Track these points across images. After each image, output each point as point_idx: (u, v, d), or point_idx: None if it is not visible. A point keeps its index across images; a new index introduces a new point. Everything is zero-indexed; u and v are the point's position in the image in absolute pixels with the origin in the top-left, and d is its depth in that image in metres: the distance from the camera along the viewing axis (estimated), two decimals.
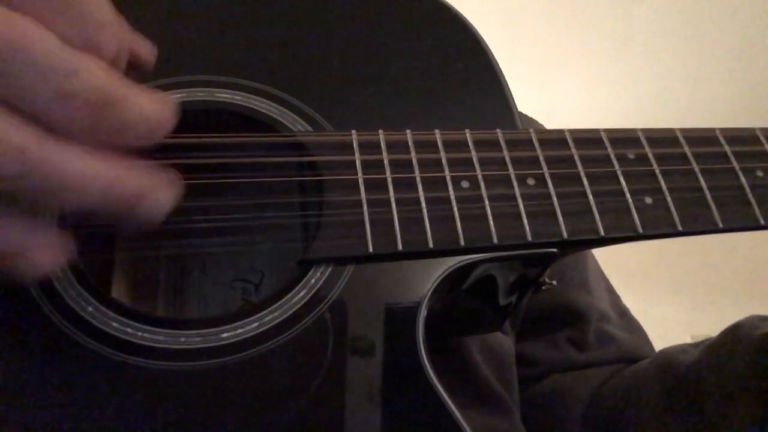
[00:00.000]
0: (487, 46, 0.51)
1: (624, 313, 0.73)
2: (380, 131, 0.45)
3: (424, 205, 0.42)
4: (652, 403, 0.56)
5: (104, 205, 0.31)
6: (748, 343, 0.50)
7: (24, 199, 0.30)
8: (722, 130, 0.49)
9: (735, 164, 0.47)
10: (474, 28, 0.51)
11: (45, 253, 0.31)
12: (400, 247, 0.41)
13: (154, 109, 0.32)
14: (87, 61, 0.29)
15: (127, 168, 0.31)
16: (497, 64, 0.50)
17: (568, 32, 1.87)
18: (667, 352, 0.60)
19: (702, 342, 0.57)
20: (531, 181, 0.44)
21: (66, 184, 0.29)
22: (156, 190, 0.32)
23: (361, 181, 0.43)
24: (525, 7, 1.84)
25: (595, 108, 1.83)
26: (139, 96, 0.31)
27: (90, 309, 0.38)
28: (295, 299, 0.40)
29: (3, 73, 0.27)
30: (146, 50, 0.37)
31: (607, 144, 0.47)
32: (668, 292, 1.82)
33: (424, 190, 0.43)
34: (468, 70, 0.50)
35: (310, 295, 0.40)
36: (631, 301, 0.76)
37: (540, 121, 0.74)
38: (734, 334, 0.52)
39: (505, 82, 0.50)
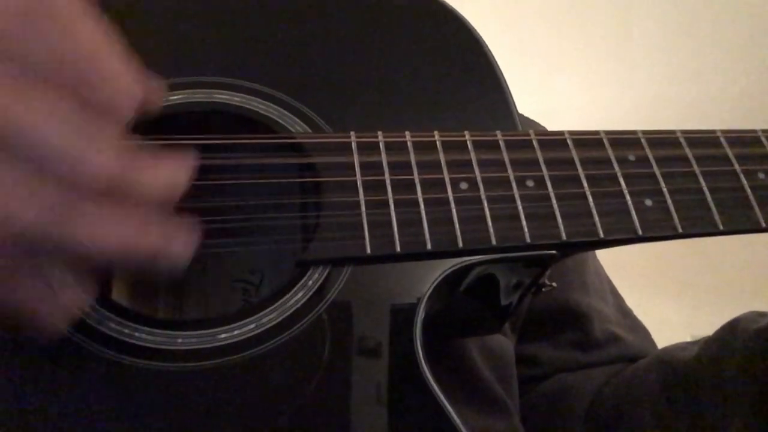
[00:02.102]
0: (488, 47, 0.51)
1: (628, 314, 0.73)
2: (379, 133, 0.45)
3: (422, 206, 0.42)
4: (651, 399, 0.56)
5: (121, 264, 0.31)
6: (743, 338, 0.49)
7: (36, 263, 0.30)
8: (724, 131, 0.48)
9: (736, 166, 0.47)
10: (474, 29, 0.51)
11: (59, 312, 0.31)
12: (398, 248, 0.41)
13: (166, 178, 0.31)
14: (94, 145, 0.28)
15: (141, 227, 0.30)
16: (497, 65, 0.50)
17: (568, 33, 1.87)
18: (666, 350, 0.60)
19: (701, 339, 0.57)
20: (530, 183, 0.44)
21: (80, 250, 0.29)
22: (172, 246, 0.31)
23: (359, 182, 0.43)
24: (526, 9, 1.84)
25: (597, 109, 1.83)
26: (151, 169, 0.30)
27: (86, 309, 0.38)
28: (293, 300, 0.40)
29: (5, 159, 0.26)
30: (156, 96, 0.36)
31: (608, 146, 0.46)
32: (668, 292, 1.82)
33: (422, 192, 0.43)
34: (468, 72, 0.50)
35: (307, 297, 0.40)
36: (631, 300, 0.76)
37: (541, 123, 0.73)
38: (731, 329, 0.51)
39: (506, 83, 0.50)
